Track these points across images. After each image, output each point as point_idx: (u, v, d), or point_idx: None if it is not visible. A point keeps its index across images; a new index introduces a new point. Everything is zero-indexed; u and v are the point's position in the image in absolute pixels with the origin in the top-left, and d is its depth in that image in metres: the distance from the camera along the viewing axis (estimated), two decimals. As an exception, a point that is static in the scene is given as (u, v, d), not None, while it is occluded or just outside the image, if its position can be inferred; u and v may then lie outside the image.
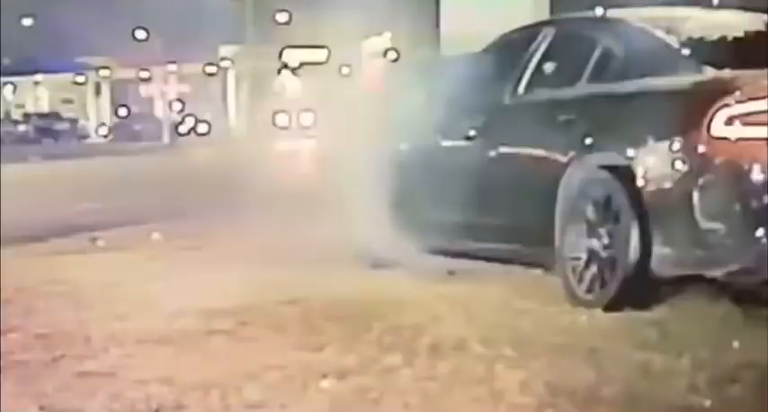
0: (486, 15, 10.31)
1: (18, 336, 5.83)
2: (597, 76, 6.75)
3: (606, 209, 6.27)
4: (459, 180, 7.45)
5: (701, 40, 6.54)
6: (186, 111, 55.23)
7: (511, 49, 7.69)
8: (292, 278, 7.16)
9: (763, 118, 5.70)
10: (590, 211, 6.38)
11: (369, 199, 7.95)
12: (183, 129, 51.40)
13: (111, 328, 5.87)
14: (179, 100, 57.34)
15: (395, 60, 41.06)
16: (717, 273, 5.83)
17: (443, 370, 4.93)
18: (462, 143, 7.57)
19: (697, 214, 5.81)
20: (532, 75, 7.26)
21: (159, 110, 58.28)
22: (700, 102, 5.91)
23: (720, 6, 7.37)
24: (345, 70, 40.92)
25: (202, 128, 50.44)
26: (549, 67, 7.22)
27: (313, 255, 7.95)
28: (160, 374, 4.92)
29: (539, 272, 6.96)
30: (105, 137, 56.40)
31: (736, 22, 6.88)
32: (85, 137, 57.10)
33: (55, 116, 59.29)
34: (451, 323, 5.77)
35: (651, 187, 6.03)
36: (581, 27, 7.39)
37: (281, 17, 53.05)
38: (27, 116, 59.12)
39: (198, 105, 54.57)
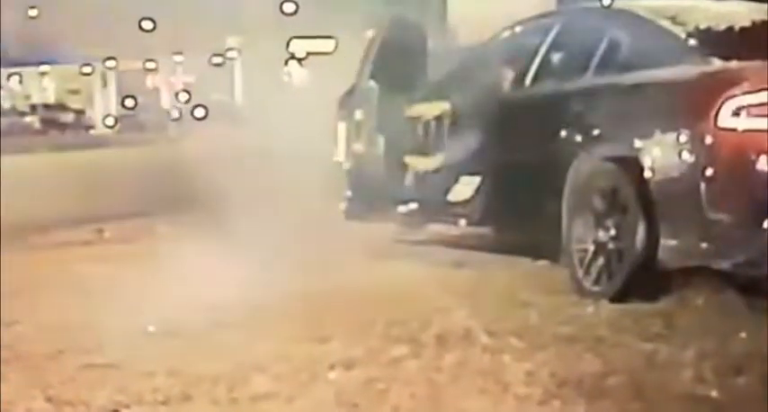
0: (494, 6, 10.30)
1: (24, 328, 5.85)
2: (604, 67, 6.74)
3: (613, 200, 6.27)
4: (465, 171, 7.47)
5: (707, 30, 6.52)
6: (193, 102, 55.27)
7: (517, 40, 7.69)
8: (299, 269, 7.16)
9: (770, 109, 5.70)
10: (597, 203, 6.38)
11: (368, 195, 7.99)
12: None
13: (118, 320, 5.88)
14: (185, 90, 57.34)
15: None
16: (723, 264, 5.83)
17: (450, 361, 4.94)
18: (469, 134, 7.58)
19: (704, 205, 5.80)
20: (539, 66, 7.26)
21: (166, 100, 58.28)
22: (706, 93, 5.90)
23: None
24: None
25: (199, 112, 50.34)
26: (555, 58, 7.23)
27: (320, 246, 7.96)
28: (167, 366, 4.93)
29: (545, 263, 6.97)
30: (111, 127, 56.40)
31: (743, 13, 6.87)
32: (92, 127, 57.11)
33: (61, 107, 59.31)
34: (458, 314, 5.78)
35: (658, 178, 6.03)
36: (588, 18, 7.38)
37: (288, 7, 53.02)
38: (33, 107, 59.14)
39: (204, 96, 54.56)
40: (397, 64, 8.11)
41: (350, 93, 8.40)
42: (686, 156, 5.89)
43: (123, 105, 58.97)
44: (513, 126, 7.24)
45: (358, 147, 8.17)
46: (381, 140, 8.10)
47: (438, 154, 7.88)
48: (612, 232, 6.26)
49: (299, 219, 8.68)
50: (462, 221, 7.58)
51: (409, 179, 8.10)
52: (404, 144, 8.04)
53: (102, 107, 60.80)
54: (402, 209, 8.04)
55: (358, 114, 8.18)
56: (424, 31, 8.49)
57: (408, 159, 8.05)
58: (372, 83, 8.14)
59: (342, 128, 8.36)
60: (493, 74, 7.61)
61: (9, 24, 51.40)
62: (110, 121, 57.30)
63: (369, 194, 8.10)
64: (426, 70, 8.24)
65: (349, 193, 8.23)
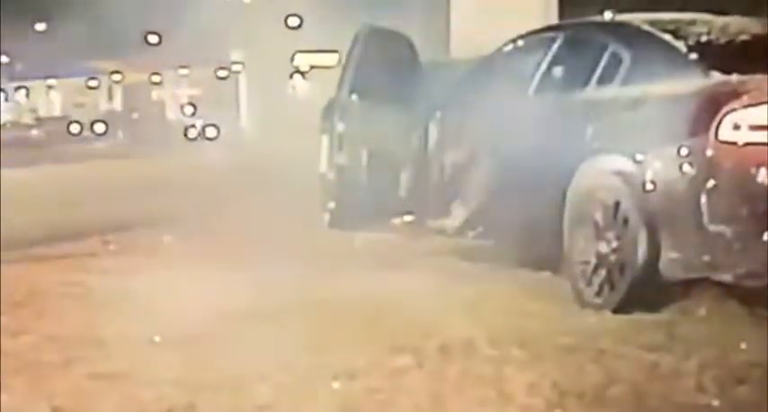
0: (496, 19, 10.32)
1: (31, 338, 5.86)
2: (606, 80, 6.78)
3: (614, 213, 6.30)
4: (468, 184, 7.50)
5: (708, 44, 6.55)
6: (198, 115, 55.31)
7: (519, 53, 7.72)
8: (302, 279, 7.19)
9: (770, 122, 5.74)
10: (598, 215, 6.41)
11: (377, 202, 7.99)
12: (192, 133, 51.43)
13: (123, 330, 5.91)
14: (190, 104, 57.41)
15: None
16: (724, 276, 5.86)
17: (452, 371, 4.96)
18: (470, 147, 7.62)
19: (705, 218, 5.83)
20: (541, 79, 7.29)
21: (171, 113, 58.34)
22: (707, 106, 5.93)
23: (727, 11, 7.37)
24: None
25: (211, 132, 50.36)
26: (557, 71, 7.25)
27: (323, 256, 7.99)
28: (171, 375, 4.96)
29: (547, 274, 7.00)
30: (103, 135, 56.45)
31: (744, 27, 6.90)
32: (97, 140, 57.15)
33: (67, 120, 59.36)
34: (460, 324, 5.80)
35: (659, 191, 6.06)
36: (590, 32, 7.41)
37: (293, 21, 53.16)
38: (40, 120, 59.22)
39: (209, 109, 54.62)
40: (380, 76, 8.05)
41: (331, 105, 8.38)
42: (687, 169, 5.92)
43: (129, 118, 59.01)
44: (515, 138, 7.26)
45: (341, 159, 8.15)
46: (365, 153, 8.09)
47: (438, 166, 7.91)
48: (614, 244, 6.29)
49: (301, 229, 8.73)
50: (464, 233, 7.62)
51: (403, 191, 8.11)
52: (391, 156, 8.04)
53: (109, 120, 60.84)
54: (397, 221, 8.07)
55: (340, 127, 8.16)
56: (411, 42, 8.45)
57: (404, 175, 8.08)
58: (354, 96, 8.10)
59: (324, 140, 8.37)
60: (495, 87, 7.64)
61: (16, 38, 51.50)
62: (100, 128, 56.98)
63: (353, 206, 8.11)
64: (418, 82, 8.20)
65: (333, 205, 8.25)
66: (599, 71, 6.82)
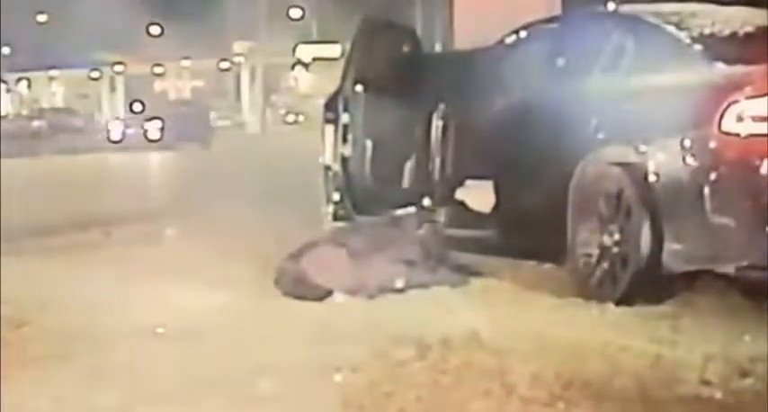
0: (501, 10, 10.29)
1: (31, 330, 5.87)
2: (609, 71, 6.76)
3: (618, 204, 6.29)
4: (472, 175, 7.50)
5: (712, 35, 6.54)
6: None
7: (523, 44, 7.71)
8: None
9: (773, 114, 5.72)
10: (602, 207, 6.40)
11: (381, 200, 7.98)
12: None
13: (124, 322, 5.91)
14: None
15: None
16: (727, 268, 5.85)
17: (455, 363, 4.95)
18: (474, 138, 7.60)
19: (708, 210, 5.82)
20: (544, 71, 7.28)
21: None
22: (710, 98, 5.92)
23: (731, 2, 7.35)
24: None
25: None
26: (560, 62, 7.24)
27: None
28: (174, 368, 4.96)
29: (550, 266, 6.99)
30: (119, 142, 56.45)
31: (747, 18, 6.88)
32: (100, 131, 57.14)
33: (69, 111, 59.38)
34: (463, 316, 5.80)
35: (662, 183, 6.05)
36: (593, 23, 7.39)
37: (295, 13, 53.16)
38: (42, 111, 59.26)
39: (211, 101, 54.69)
40: (384, 67, 8.04)
41: (336, 96, 8.36)
42: (690, 160, 5.92)
43: (131, 110, 59.11)
44: (518, 130, 7.26)
45: (345, 150, 8.14)
46: (369, 144, 8.08)
47: (442, 157, 7.89)
48: (617, 236, 6.28)
49: (303, 222, 8.72)
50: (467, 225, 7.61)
51: (407, 182, 8.10)
52: (395, 147, 8.03)
53: (111, 111, 60.95)
54: (400, 212, 8.05)
55: (344, 118, 8.14)
56: (414, 33, 8.44)
57: (408, 166, 8.07)
58: (359, 87, 8.08)
59: (329, 131, 8.35)
60: (498, 78, 7.63)
61: (18, 29, 51.52)
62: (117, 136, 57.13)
63: (357, 198, 8.09)
64: (422, 72, 8.18)
65: (336, 196, 8.23)
66: (602, 62, 6.81)
